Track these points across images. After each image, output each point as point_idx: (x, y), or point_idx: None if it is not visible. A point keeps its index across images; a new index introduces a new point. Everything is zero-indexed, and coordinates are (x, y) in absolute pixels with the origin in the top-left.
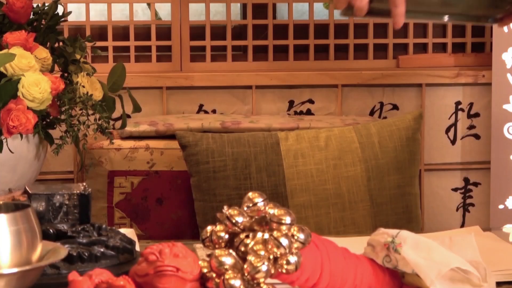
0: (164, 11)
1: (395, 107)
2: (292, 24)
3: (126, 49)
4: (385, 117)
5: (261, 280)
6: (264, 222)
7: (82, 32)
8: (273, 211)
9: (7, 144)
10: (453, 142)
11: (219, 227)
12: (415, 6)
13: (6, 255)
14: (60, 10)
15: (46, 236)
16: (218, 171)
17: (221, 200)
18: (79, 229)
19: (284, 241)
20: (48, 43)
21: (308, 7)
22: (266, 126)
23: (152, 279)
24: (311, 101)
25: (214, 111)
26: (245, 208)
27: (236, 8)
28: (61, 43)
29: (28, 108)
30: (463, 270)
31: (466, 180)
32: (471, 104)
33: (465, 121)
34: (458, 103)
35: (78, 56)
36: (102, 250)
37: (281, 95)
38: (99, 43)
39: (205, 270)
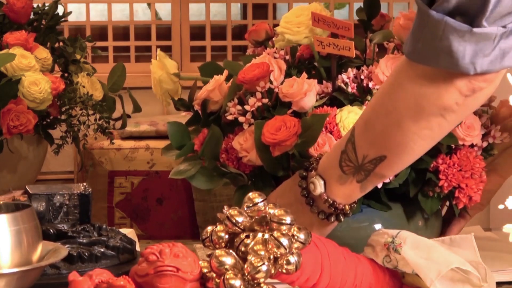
0: (164, 11)
1: None
2: None
3: (126, 49)
4: None
5: (261, 280)
6: (264, 222)
7: (82, 32)
8: (273, 211)
9: (7, 144)
10: None
11: (219, 227)
12: None
13: (6, 255)
14: (60, 10)
15: (46, 236)
16: None
17: (221, 200)
18: (80, 229)
19: (284, 241)
20: (48, 43)
21: None
22: None
23: (152, 279)
24: None
25: None
26: (245, 208)
27: (236, 8)
28: (61, 43)
29: (28, 108)
30: (463, 270)
31: None
32: None
33: None
34: None
35: (78, 56)
36: (102, 250)
37: None
38: (99, 43)
39: (205, 270)
